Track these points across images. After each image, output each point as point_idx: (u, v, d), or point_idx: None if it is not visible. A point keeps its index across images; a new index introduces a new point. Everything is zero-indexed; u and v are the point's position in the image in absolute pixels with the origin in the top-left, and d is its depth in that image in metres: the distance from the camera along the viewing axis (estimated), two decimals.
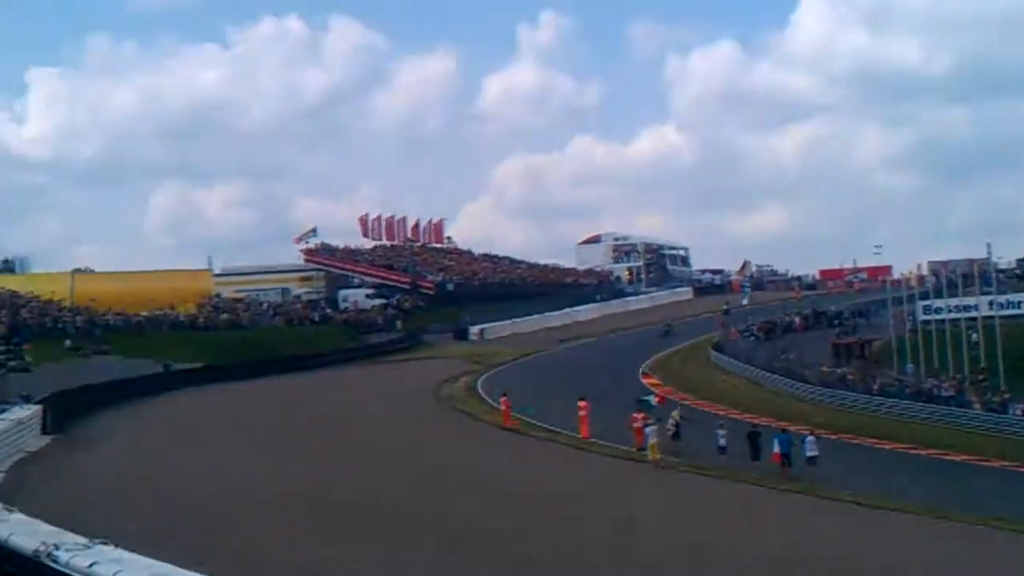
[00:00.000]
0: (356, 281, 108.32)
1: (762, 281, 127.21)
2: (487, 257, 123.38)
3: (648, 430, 40.28)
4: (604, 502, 31.76)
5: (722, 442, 40.42)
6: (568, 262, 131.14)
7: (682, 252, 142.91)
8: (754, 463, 38.51)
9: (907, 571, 23.59)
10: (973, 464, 42.56)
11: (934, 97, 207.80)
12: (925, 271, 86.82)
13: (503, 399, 49.45)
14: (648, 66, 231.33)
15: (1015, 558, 25.33)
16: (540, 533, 25.90)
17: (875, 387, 58.26)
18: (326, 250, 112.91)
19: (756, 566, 23.18)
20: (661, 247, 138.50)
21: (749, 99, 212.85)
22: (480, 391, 60.26)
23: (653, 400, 48.67)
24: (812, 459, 37.42)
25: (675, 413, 45.04)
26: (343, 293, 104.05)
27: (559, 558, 23.08)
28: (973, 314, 63.02)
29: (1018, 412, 50.07)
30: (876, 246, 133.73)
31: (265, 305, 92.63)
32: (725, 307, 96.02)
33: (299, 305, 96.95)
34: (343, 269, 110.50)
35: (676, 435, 42.37)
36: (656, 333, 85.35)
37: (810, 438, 38.05)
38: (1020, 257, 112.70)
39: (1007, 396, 52.73)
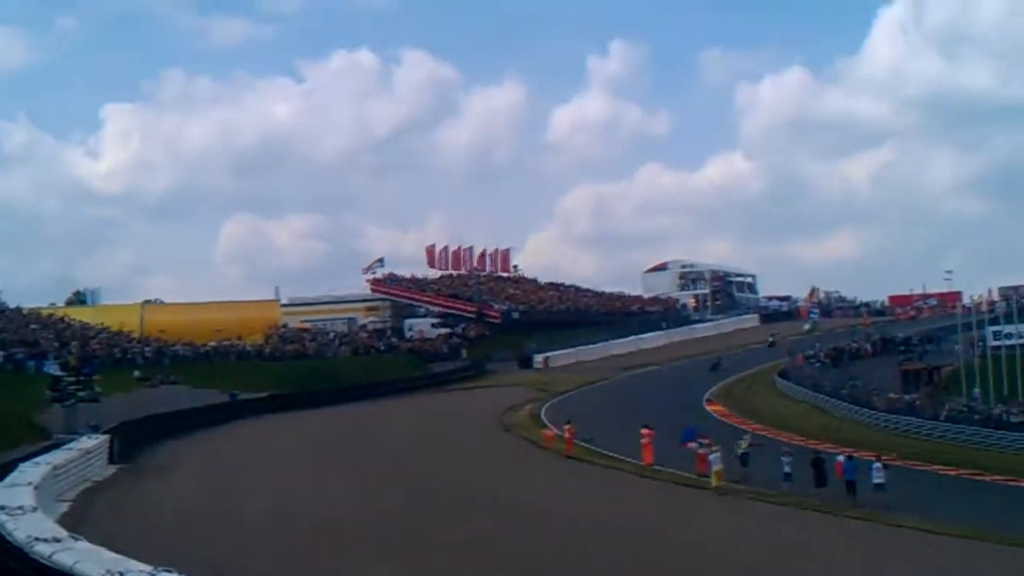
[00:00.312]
0: (422, 310, 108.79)
1: (830, 308, 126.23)
2: (553, 285, 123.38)
3: (712, 457, 40.39)
4: (668, 529, 31.73)
5: (787, 469, 39.88)
6: (634, 290, 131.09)
7: (749, 279, 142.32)
8: (819, 489, 38.21)
9: None
10: None
11: (1006, 121, 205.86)
12: (996, 296, 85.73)
13: (567, 427, 49.50)
14: (717, 94, 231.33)
15: None
16: (604, 561, 25.93)
17: (943, 414, 57.56)
18: (392, 280, 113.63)
19: None
20: (728, 274, 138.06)
21: (819, 126, 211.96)
22: (544, 419, 60.24)
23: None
24: (879, 486, 37.06)
25: (744, 440, 44.84)
26: (409, 322, 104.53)
27: None
28: None
29: None
30: (946, 271, 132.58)
31: (331, 335, 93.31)
32: (771, 339, 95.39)
33: (365, 334, 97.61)
34: (409, 299, 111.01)
35: (744, 462, 42.19)
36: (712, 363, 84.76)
37: (877, 464, 37.63)
38: None
39: None
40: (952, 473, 44.41)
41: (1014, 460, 48.26)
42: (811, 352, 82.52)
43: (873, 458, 38.51)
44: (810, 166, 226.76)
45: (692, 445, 43.23)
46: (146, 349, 76.19)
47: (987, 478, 44.15)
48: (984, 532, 31.31)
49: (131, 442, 47.97)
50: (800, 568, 26.51)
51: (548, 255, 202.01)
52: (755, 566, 26.14)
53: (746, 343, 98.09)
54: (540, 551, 27.41)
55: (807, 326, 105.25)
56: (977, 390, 62.33)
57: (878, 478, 37.08)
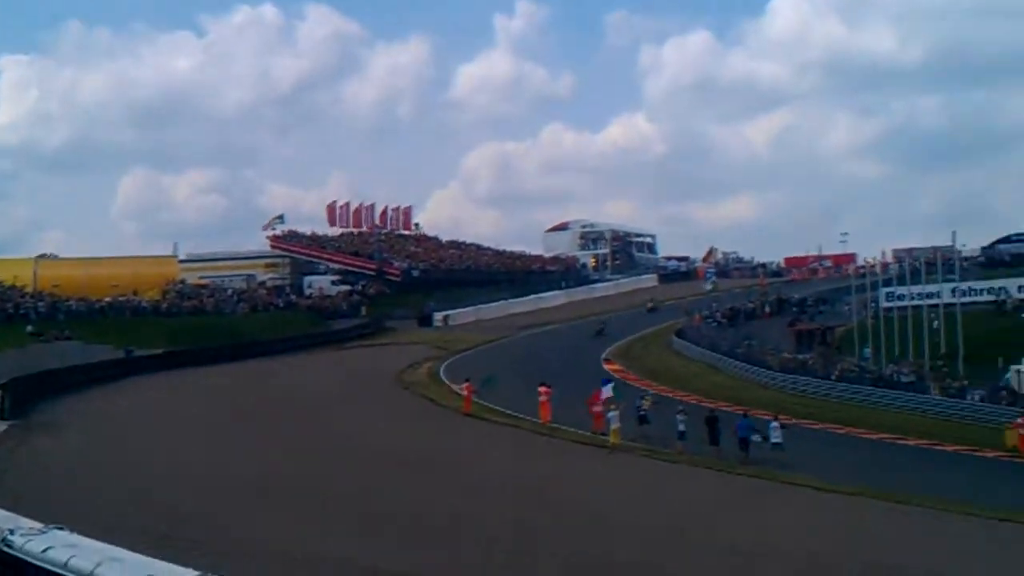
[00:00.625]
0: (322, 268, 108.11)
1: (728, 268, 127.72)
2: (454, 244, 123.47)
3: (611, 415, 40.59)
4: (561, 485, 31.96)
5: (681, 427, 39.98)
6: (535, 249, 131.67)
7: (649, 240, 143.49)
8: (713, 448, 38.76)
9: (863, 553, 23.81)
10: (929, 449, 43.00)
11: (905, 86, 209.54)
12: (889, 258, 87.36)
13: (466, 384, 49.48)
14: (621, 56, 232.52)
15: (970, 540, 25.64)
16: (496, 515, 26.07)
17: (836, 373, 58.66)
18: (293, 237, 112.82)
19: (717, 552, 23.40)
20: (628, 235, 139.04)
21: (721, 89, 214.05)
22: (443, 377, 60.35)
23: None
24: (777, 445, 37.70)
25: (647, 399, 45.28)
26: (308, 279, 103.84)
27: (518, 538, 23.22)
28: (935, 301, 63.52)
29: (976, 398, 50.56)
30: (842, 234, 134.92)
31: (230, 291, 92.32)
32: (650, 304, 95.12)
33: (264, 291, 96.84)
34: (309, 255, 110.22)
35: (644, 420, 42.65)
36: (641, 312, 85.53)
37: (774, 424, 38.26)
38: (984, 245, 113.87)
39: (965, 383, 53.22)
40: (844, 431, 45.32)
41: (905, 419, 49.39)
42: (708, 312, 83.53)
43: (771, 417, 39.11)
44: (712, 128, 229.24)
45: (604, 393, 43.46)
46: (39, 304, 74.87)
47: (877, 436, 45.18)
48: (873, 489, 32.03)
49: (23, 398, 47.07)
50: (690, 524, 26.84)
51: (450, 213, 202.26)
52: (640, 523, 26.33)
53: (635, 304, 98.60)
54: (429, 506, 27.46)
55: (709, 286, 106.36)
56: (868, 349, 63.69)
57: (775, 437, 37.73)
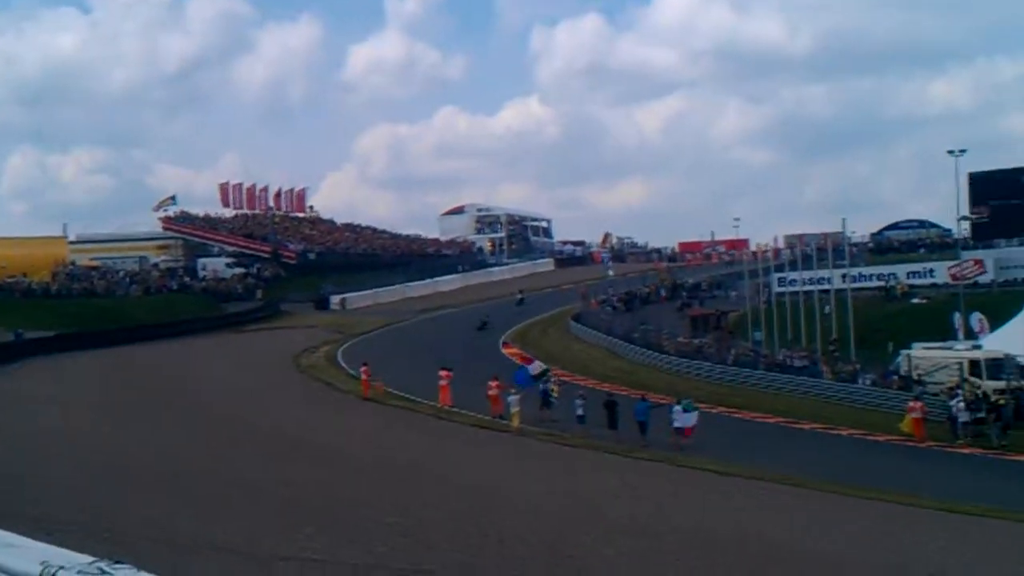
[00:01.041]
0: (216, 250, 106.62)
1: (623, 253, 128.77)
2: (349, 227, 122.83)
3: (511, 399, 40.98)
4: (456, 469, 31.89)
5: (580, 411, 40.57)
6: (431, 233, 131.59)
7: (544, 224, 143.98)
8: (611, 431, 39.07)
9: (763, 536, 24.11)
10: (823, 432, 43.78)
11: (794, 74, 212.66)
12: (781, 244, 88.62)
13: (363, 368, 49.20)
14: (514, 39, 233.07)
15: (863, 521, 26.08)
16: (389, 500, 25.92)
17: (731, 358, 59.41)
18: (185, 218, 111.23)
19: (619, 533, 23.50)
20: (524, 219, 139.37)
21: (614, 73, 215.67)
22: (340, 361, 60.04)
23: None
24: (679, 430, 37.85)
25: (554, 382, 45.56)
26: (202, 262, 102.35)
27: (408, 524, 23.10)
28: (826, 287, 64.60)
29: (867, 382, 51.49)
30: (735, 219, 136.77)
31: (121, 273, 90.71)
32: (520, 296, 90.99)
33: (157, 273, 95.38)
34: (202, 237, 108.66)
35: (547, 404, 42.95)
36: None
37: (677, 408, 38.41)
38: (873, 232, 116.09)
39: (857, 367, 54.17)
40: (740, 415, 45.94)
41: (798, 403, 50.25)
42: (604, 296, 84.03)
43: (673, 402, 39.31)
44: (605, 113, 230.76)
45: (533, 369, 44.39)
46: None
47: (772, 420, 45.87)
48: (768, 472, 32.48)
49: None
50: (589, 506, 26.91)
51: (345, 196, 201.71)
52: (534, 505, 26.34)
53: (530, 288, 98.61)
54: (325, 489, 27.23)
55: (610, 273, 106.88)
56: (760, 333, 64.64)
57: (678, 422, 37.90)
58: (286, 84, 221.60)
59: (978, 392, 44.62)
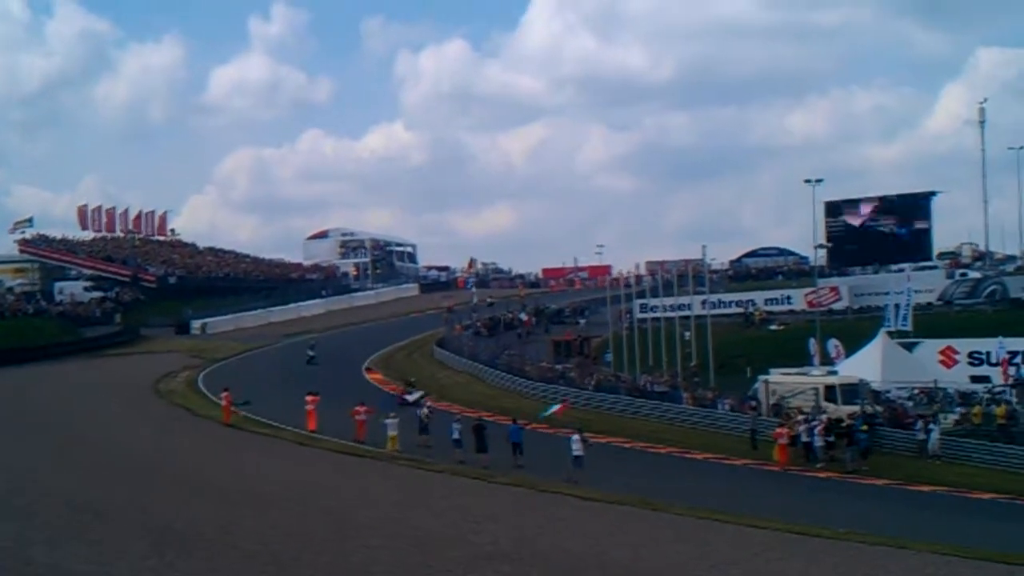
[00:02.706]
0: (73, 273, 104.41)
1: (487, 279, 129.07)
2: (212, 251, 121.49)
3: (389, 423, 41.40)
4: (318, 495, 31.61)
5: (456, 435, 41.05)
6: (295, 257, 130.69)
7: (409, 249, 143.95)
8: (481, 455, 39.33)
9: (620, 557, 24.35)
10: (681, 457, 44.51)
11: (657, 103, 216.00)
12: (643, 271, 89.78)
13: (224, 394, 48.57)
14: (379, 63, 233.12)
15: (721, 545, 26.51)
16: (249, 526, 25.66)
17: (593, 383, 59.87)
18: (42, 241, 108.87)
19: (473, 558, 23.57)
20: (388, 243, 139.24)
21: (479, 99, 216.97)
22: (201, 386, 59.24)
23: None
24: (578, 459, 37.37)
25: (425, 408, 46.00)
26: (59, 285, 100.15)
27: (270, 551, 22.91)
28: (687, 313, 65.56)
29: (725, 407, 52.35)
30: (598, 246, 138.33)
31: None
32: (311, 345, 75.58)
33: (12, 297, 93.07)
34: (60, 260, 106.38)
35: (424, 429, 43.25)
36: (388, 328, 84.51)
37: (576, 437, 37.97)
38: (733, 259, 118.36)
39: (716, 392, 55.08)
40: (603, 440, 46.29)
41: (659, 427, 50.97)
42: (468, 322, 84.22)
43: (574, 433, 38.96)
44: (470, 139, 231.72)
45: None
46: None
47: (632, 445, 46.45)
48: (630, 497, 32.83)
49: None
50: (447, 531, 26.90)
51: (207, 219, 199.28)
52: (396, 531, 26.20)
53: (395, 313, 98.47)
54: (183, 515, 26.83)
55: (475, 300, 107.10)
56: (609, 355, 65.59)
57: (577, 451, 37.44)
58: (148, 105, 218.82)
59: (822, 417, 45.62)
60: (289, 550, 22.70)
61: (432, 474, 36.87)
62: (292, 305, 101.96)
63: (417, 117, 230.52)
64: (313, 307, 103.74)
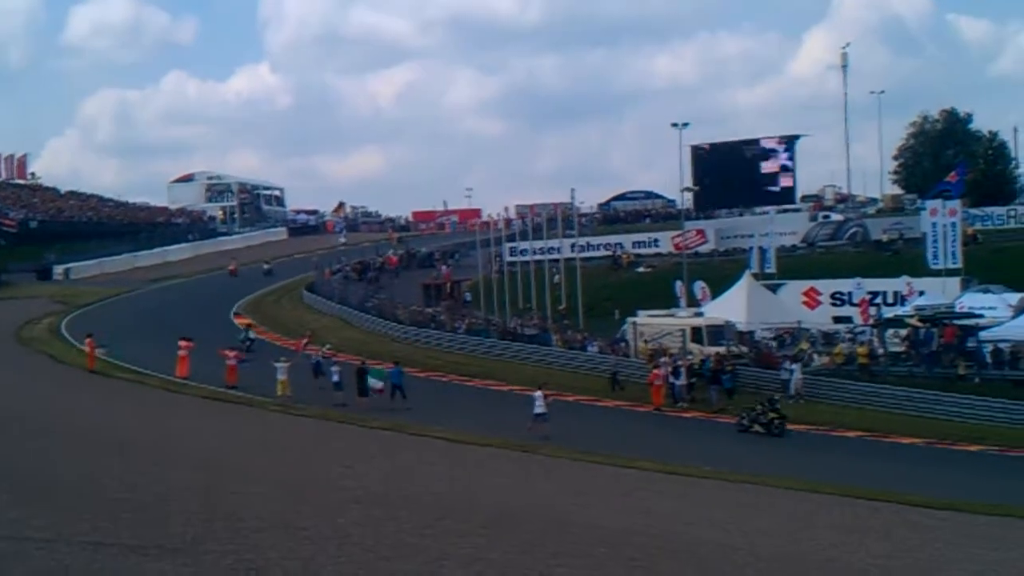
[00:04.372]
0: None
1: (357, 223, 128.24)
2: (74, 194, 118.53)
3: (278, 366, 41.44)
4: (186, 442, 31.17)
5: (336, 378, 41.70)
6: (160, 201, 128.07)
7: (277, 192, 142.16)
8: (361, 399, 39.90)
9: (486, 497, 24.50)
10: (552, 399, 44.76)
11: (525, 45, 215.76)
12: (512, 214, 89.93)
13: (88, 340, 47.53)
14: (244, 3, 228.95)
15: (588, 483, 26.82)
16: (116, 475, 25.29)
17: (463, 327, 59.99)
18: None
19: (342, 502, 23.52)
20: (256, 187, 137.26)
21: (346, 41, 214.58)
22: (65, 333, 58.01)
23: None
24: (542, 415, 37.02)
25: (325, 348, 46.59)
26: None
27: (137, 500, 22.61)
28: (556, 256, 66.01)
29: (595, 349, 52.85)
30: (467, 189, 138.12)
31: None
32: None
33: None
34: None
35: (318, 372, 44.06)
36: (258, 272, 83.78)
37: (539, 394, 37.72)
38: (601, 202, 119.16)
39: (586, 335, 55.57)
40: (472, 384, 46.55)
41: (530, 370, 51.20)
42: (338, 266, 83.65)
43: (537, 389, 38.53)
44: (338, 81, 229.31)
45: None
46: None
47: (506, 388, 46.71)
48: (504, 440, 33.08)
49: None
50: (319, 475, 26.79)
51: (68, 163, 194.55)
52: (265, 477, 25.99)
53: (263, 257, 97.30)
54: (46, 464, 26.26)
55: (342, 239, 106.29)
56: (469, 296, 66.06)
57: (539, 407, 37.26)
58: (5, 46, 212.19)
59: (688, 357, 46.40)
60: (157, 498, 22.41)
61: (304, 419, 36.75)
62: (158, 250, 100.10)
63: (283, 59, 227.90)
64: (180, 252, 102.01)
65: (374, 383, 41.14)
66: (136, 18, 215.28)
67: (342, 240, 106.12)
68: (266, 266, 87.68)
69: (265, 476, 25.84)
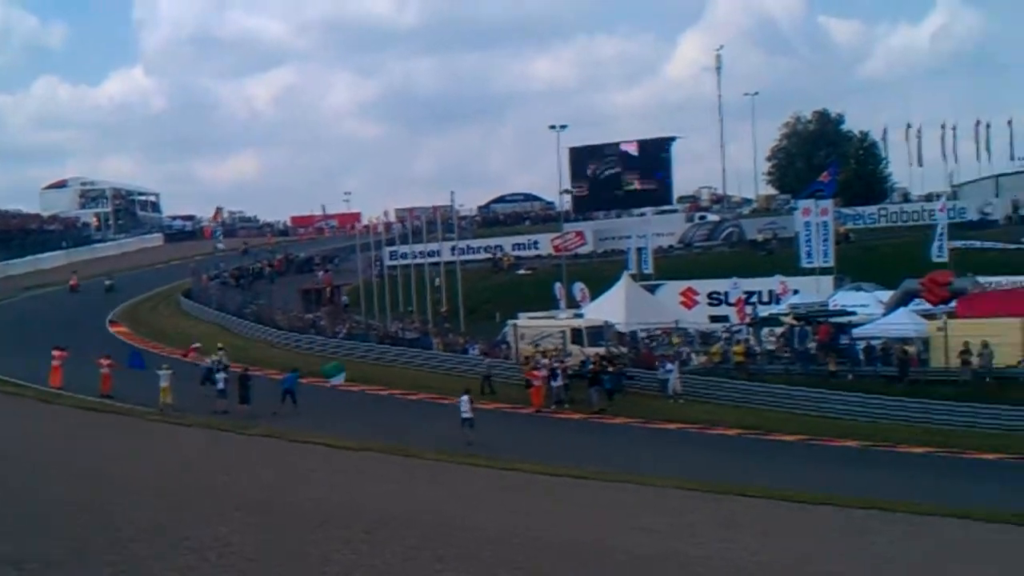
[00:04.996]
0: None
1: (234, 228, 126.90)
2: None
3: (161, 374, 40.83)
4: (63, 452, 30.73)
5: (221, 385, 41.41)
6: (32, 208, 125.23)
7: (153, 198, 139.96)
8: (242, 406, 39.85)
9: (368, 503, 24.53)
10: (433, 403, 44.91)
11: (403, 48, 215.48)
12: (392, 218, 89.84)
13: None
14: (116, 6, 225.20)
15: (476, 487, 26.99)
16: None
17: (344, 331, 59.76)
18: None
19: (225, 510, 23.36)
20: (131, 193, 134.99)
21: (222, 44, 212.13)
22: None
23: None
24: (468, 420, 36.84)
25: (216, 356, 45.88)
26: None
27: (14, 512, 22.22)
28: (436, 259, 66.09)
29: (475, 352, 52.98)
30: (345, 193, 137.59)
31: None
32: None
33: None
34: None
35: (207, 380, 43.46)
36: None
37: (464, 398, 37.47)
38: (481, 205, 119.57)
39: (467, 338, 55.71)
40: (354, 389, 46.31)
41: (411, 374, 51.25)
42: (216, 272, 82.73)
43: (463, 394, 38.16)
44: (214, 85, 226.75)
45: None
46: None
47: (386, 392, 46.67)
48: (382, 444, 33.07)
49: None
50: (197, 484, 26.56)
51: None
52: (145, 486, 25.73)
53: (139, 264, 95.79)
54: None
55: (220, 246, 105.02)
56: (346, 299, 65.99)
57: (466, 412, 36.94)
58: None
59: (566, 359, 46.71)
60: (35, 510, 22.07)
61: (184, 428, 36.40)
62: (30, 257, 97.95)
63: (158, 62, 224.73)
64: (53, 259, 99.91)
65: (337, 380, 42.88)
66: (4, 21, 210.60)
67: (219, 246, 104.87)
68: (108, 282, 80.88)
69: (145, 486, 25.55)
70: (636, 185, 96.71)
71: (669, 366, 45.76)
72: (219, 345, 47.98)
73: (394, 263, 70.35)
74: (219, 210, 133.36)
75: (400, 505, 24.04)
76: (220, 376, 41.82)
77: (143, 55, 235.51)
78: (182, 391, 41.44)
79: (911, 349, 44.59)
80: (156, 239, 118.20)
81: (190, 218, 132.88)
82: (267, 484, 26.48)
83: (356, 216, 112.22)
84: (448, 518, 22.25)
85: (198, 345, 50.11)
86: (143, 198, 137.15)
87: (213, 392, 41.96)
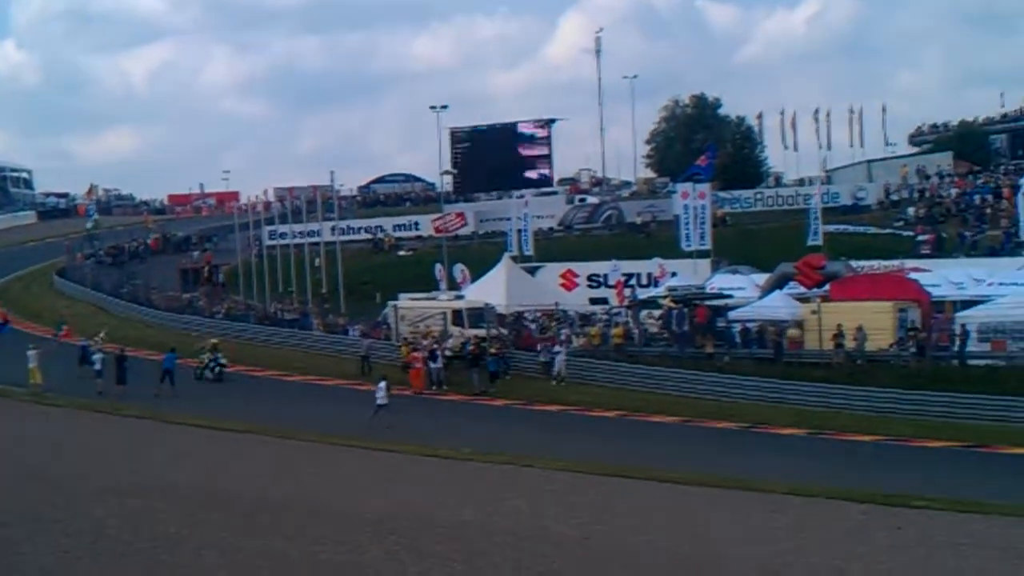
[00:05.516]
0: None
1: (110, 206, 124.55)
2: None
3: (30, 354, 40.21)
4: None
5: (98, 366, 40.72)
6: None
7: (25, 175, 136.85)
8: (119, 387, 39.17)
9: (252, 483, 24.40)
10: (311, 384, 44.74)
11: (285, 26, 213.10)
12: (271, 197, 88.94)
13: None
14: None
15: (353, 469, 26.99)
16: None
17: (221, 311, 59.06)
18: None
19: (101, 493, 23.06)
20: (2, 169, 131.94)
21: (96, 18, 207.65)
22: None
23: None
24: (384, 406, 35.83)
25: (101, 335, 45.16)
26: None
27: None
28: (316, 239, 65.59)
29: (356, 333, 52.70)
30: (224, 171, 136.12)
31: None
32: None
33: None
34: None
35: (85, 360, 42.76)
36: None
37: (382, 384, 36.61)
38: (362, 185, 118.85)
39: (347, 319, 55.44)
40: (232, 370, 45.85)
41: (290, 355, 50.85)
42: (91, 251, 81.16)
43: (380, 381, 37.31)
44: (88, 59, 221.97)
45: None
46: None
47: (264, 374, 46.34)
48: (260, 426, 32.91)
49: None
50: (72, 468, 26.22)
51: None
52: (14, 471, 25.35)
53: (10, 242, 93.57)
54: None
55: (89, 224, 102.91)
56: (221, 277, 65.50)
57: (381, 399, 36.06)
58: None
59: (447, 341, 46.74)
60: None
61: (57, 409, 35.88)
62: None
63: (29, 35, 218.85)
64: None
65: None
66: None
67: (88, 224, 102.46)
68: None
69: (15, 469, 25.18)
70: (517, 167, 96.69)
71: (557, 348, 45.81)
72: (102, 333, 46.99)
73: (273, 243, 69.74)
74: (93, 187, 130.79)
75: (278, 487, 24.00)
76: (97, 357, 41.17)
77: (15, 28, 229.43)
78: (57, 372, 40.76)
79: (795, 333, 45.00)
80: (29, 217, 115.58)
81: (64, 196, 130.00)
82: (142, 466, 26.21)
83: (235, 195, 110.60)
84: (326, 500, 22.26)
85: (66, 326, 49.34)
86: (15, 175, 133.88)
87: (91, 372, 41.32)
